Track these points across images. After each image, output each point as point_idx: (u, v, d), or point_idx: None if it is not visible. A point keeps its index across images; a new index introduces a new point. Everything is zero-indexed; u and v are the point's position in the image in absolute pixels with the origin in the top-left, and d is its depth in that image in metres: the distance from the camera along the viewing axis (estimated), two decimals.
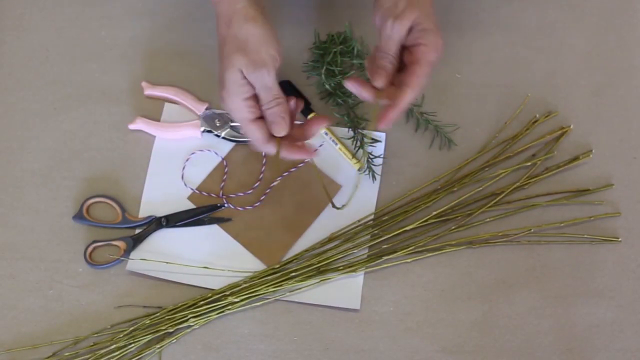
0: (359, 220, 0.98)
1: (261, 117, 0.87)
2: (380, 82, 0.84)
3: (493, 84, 1.05)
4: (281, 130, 0.86)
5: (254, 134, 0.87)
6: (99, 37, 1.08)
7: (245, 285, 0.95)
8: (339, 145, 1.01)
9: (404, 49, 0.85)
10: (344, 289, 0.95)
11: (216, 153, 1.02)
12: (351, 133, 1.02)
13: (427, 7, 0.84)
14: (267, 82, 0.84)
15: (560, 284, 0.96)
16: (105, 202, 0.99)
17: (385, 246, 0.97)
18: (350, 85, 0.87)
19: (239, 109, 0.85)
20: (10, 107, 1.04)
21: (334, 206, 0.95)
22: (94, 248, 0.97)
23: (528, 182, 1.00)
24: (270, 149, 0.88)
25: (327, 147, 1.02)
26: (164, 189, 1.00)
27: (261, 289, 0.94)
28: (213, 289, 0.95)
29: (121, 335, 0.93)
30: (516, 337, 0.94)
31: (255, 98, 0.86)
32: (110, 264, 0.96)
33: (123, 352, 0.92)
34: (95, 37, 1.08)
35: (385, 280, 0.96)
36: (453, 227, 0.98)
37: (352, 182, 1.00)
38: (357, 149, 1.01)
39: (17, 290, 0.96)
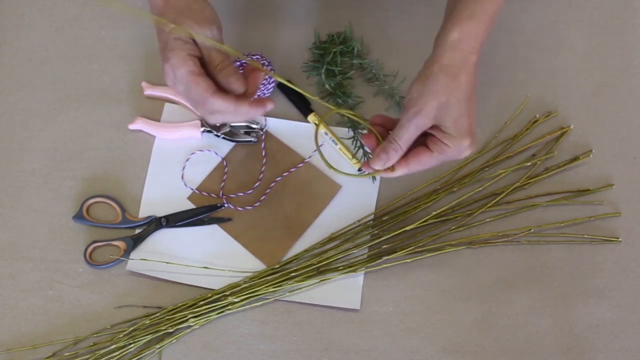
0: (359, 220, 0.98)
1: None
2: (379, 166, 0.83)
3: (493, 84, 1.05)
4: (240, 86, 0.81)
5: (201, 86, 0.80)
6: (99, 37, 1.08)
7: (245, 285, 0.95)
8: (339, 146, 1.01)
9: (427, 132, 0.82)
10: (344, 289, 0.95)
11: (216, 153, 1.02)
12: (351, 133, 1.02)
13: (453, 108, 0.79)
14: (217, 39, 0.81)
15: (560, 284, 0.96)
16: (105, 202, 0.99)
17: (385, 246, 0.97)
18: (366, 142, 0.85)
19: (185, 63, 0.80)
20: (10, 107, 1.04)
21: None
22: (94, 248, 0.97)
23: (528, 182, 1.00)
24: (219, 103, 0.81)
25: (327, 147, 1.02)
26: (164, 189, 1.00)
27: (261, 289, 0.94)
28: (213, 289, 0.95)
29: (121, 336, 0.93)
30: (516, 337, 0.94)
31: (200, 60, 0.82)
32: (110, 264, 0.96)
33: (123, 352, 0.92)
34: (95, 37, 1.08)
35: (385, 280, 0.96)
36: (453, 227, 0.98)
37: (352, 182, 1.00)
38: (357, 149, 1.01)
39: (17, 290, 0.96)
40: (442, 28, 0.82)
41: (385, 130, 0.86)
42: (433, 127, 0.81)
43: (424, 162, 0.82)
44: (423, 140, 0.83)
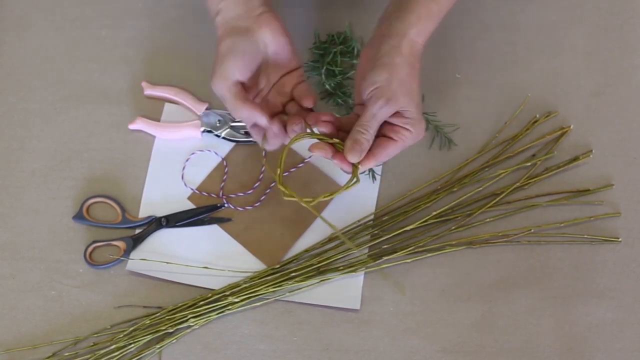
0: (359, 220, 0.98)
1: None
2: (355, 158, 0.85)
3: (493, 84, 1.05)
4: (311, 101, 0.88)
5: (246, 110, 0.86)
6: (99, 37, 1.08)
7: (245, 285, 0.95)
8: (339, 146, 1.01)
9: (385, 122, 0.86)
10: (344, 289, 0.95)
11: (216, 153, 1.02)
12: None
13: (415, 94, 0.85)
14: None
15: (560, 284, 0.96)
16: (105, 202, 0.99)
17: (385, 246, 0.97)
18: (317, 152, 0.87)
19: (228, 90, 0.86)
20: (10, 107, 1.04)
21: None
22: (94, 248, 0.97)
23: (528, 182, 1.00)
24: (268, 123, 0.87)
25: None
26: (164, 189, 1.00)
27: (261, 289, 0.94)
28: (213, 289, 0.95)
29: (121, 336, 0.93)
30: (516, 337, 0.94)
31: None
32: (110, 264, 0.96)
33: (123, 352, 0.92)
34: (95, 37, 1.08)
35: (386, 280, 0.96)
36: (453, 227, 0.98)
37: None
38: None
39: (17, 290, 0.96)
40: (398, 19, 0.85)
41: (334, 128, 0.88)
42: (394, 114, 0.84)
43: (391, 152, 0.86)
44: (378, 131, 0.86)
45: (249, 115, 0.86)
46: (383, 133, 0.86)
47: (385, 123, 0.86)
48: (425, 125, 0.87)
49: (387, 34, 0.85)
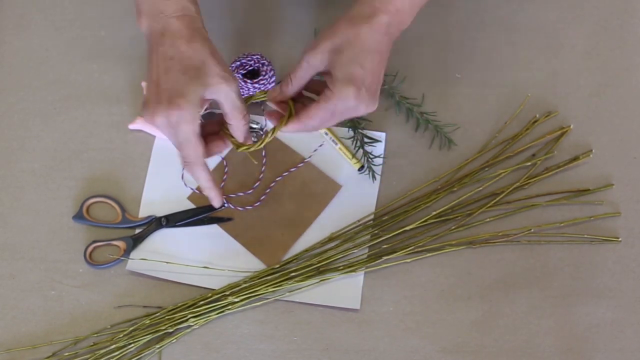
0: (359, 220, 0.98)
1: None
2: (271, 98, 0.85)
3: (493, 84, 1.05)
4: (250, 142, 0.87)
5: (199, 150, 0.84)
6: (99, 37, 1.08)
7: (245, 285, 0.95)
8: (339, 145, 1.01)
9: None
10: (344, 289, 0.95)
11: None
12: (351, 133, 1.02)
13: (352, 55, 0.80)
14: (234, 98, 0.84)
15: (560, 284, 0.96)
16: (105, 202, 0.99)
17: (385, 246, 0.97)
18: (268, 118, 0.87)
19: (194, 121, 0.82)
20: (10, 107, 1.04)
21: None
22: (94, 248, 0.97)
23: (528, 182, 1.00)
24: (202, 174, 0.87)
25: (327, 147, 1.02)
26: (164, 189, 1.00)
27: (261, 289, 0.94)
28: (213, 289, 0.95)
29: (121, 335, 0.93)
30: (516, 337, 0.94)
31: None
32: (110, 263, 0.96)
33: (123, 352, 0.92)
34: (95, 37, 1.08)
35: (385, 280, 0.96)
36: (453, 227, 0.98)
37: (353, 182, 1.00)
38: (357, 149, 1.01)
39: (17, 290, 0.96)
40: None
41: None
42: (326, 74, 0.81)
43: (312, 114, 0.82)
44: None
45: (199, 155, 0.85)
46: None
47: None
48: (357, 93, 0.80)
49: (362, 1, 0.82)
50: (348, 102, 0.81)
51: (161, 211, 0.99)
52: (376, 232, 0.98)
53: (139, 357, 0.93)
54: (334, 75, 0.81)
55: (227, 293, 0.94)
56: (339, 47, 0.81)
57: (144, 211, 0.99)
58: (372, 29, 0.81)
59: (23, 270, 0.97)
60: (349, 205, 0.99)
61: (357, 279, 0.96)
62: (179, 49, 0.82)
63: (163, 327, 0.93)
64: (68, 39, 1.08)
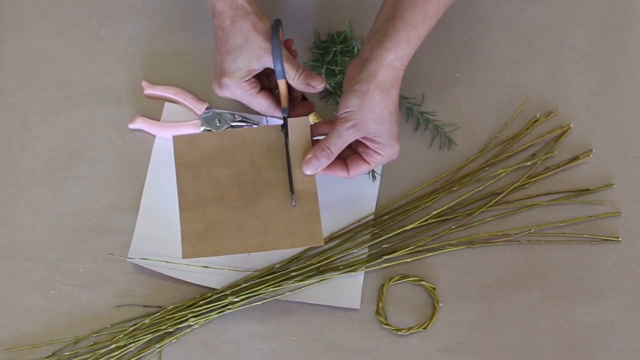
0: (359, 220, 0.98)
1: (263, 89, 0.91)
2: (309, 171, 0.88)
3: (493, 83, 1.05)
4: (320, 82, 0.90)
5: (264, 104, 0.91)
6: (99, 37, 1.08)
7: (245, 284, 0.95)
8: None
9: (358, 141, 0.89)
10: (344, 289, 0.95)
11: None
12: None
13: (386, 120, 0.86)
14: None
15: (560, 284, 0.96)
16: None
17: (385, 246, 0.97)
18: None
19: (242, 89, 0.90)
20: (10, 107, 1.04)
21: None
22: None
23: (528, 181, 1.00)
24: (279, 113, 0.92)
25: None
26: (164, 189, 1.00)
27: (261, 288, 0.94)
28: (213, 288, 0.95)
29: (121, 335, 0.93)
30: (516, 337, 0.94)
31: (254, 76, 0.90)
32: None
33: (123, 351, 0.92)
34: (95, 37, 1.08)
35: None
36: (453, 227, 0.98)
37: (353, 181, 1.00)
38: None
39: (17, 290, 0.96)
40: (378, 45, 0.85)
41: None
42: (365, 137, 0.87)
43: (362, 170, 0.89)
44: (352, 145, 0.89)
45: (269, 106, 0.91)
46: (356, 150, 0.89)
47: (359, 142, 0.88)
48: (398, 148, 0.89)
49: (368, 59, 0.86)
50: (394, 157, 0.90)
51: (161, 211, 0.98)
52: (376, 231, 0.98)
53: (139, 356, 0.93)
54: (379, 140, 0.87)
55: (227, 293, 0.94)
56: (380, 117, 0.86)
57: (144, 211, 0.99)
58: (398, 88, 0.86)
59: (23, 269, 0.97)
60: (349, 205, 0.99)
61: (357, 278, 0.96)
62: (224, 30, 0.88)
63: (163, 327, 0.93)
64: (68, 39, 1.08)
